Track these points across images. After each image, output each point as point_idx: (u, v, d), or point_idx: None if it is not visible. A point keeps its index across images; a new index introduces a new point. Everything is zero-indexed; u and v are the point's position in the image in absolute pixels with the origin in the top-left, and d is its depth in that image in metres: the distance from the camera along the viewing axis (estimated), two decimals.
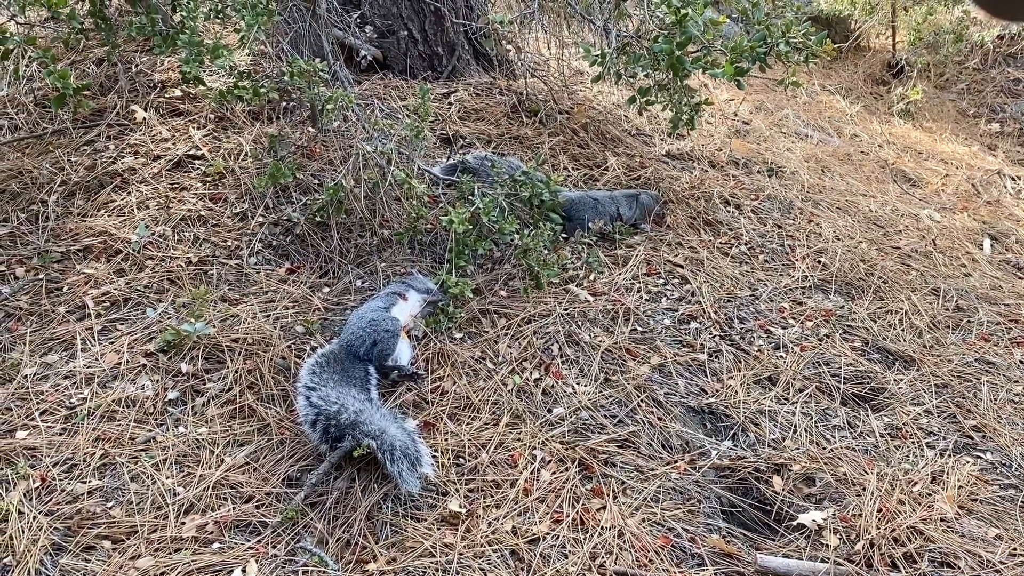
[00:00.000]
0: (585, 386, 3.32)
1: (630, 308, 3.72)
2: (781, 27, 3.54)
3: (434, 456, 2.95)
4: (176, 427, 3.11)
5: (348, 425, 2.78)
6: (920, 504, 2.92)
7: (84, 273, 3.83)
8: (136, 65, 5.28)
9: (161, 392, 3.24)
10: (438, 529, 2.71)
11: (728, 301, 3.95)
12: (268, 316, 3.59)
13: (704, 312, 3.81)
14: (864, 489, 2.97)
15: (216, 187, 4.40)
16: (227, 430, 3.10)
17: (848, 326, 3.95)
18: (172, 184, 4.41)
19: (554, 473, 2.95)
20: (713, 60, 3.67)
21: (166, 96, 5.05)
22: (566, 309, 3.67)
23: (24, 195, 4.32)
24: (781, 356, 3.63)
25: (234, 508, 2.79)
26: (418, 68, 5.87)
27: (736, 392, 3.37)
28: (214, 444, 3.02)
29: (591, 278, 3.91)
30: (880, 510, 2.88)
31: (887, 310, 4.13)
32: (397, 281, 3.61)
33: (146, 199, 4.30)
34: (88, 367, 3.34)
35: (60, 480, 2.86)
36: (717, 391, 3.38)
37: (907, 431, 3.32)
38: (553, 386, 3.29)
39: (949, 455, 3.21)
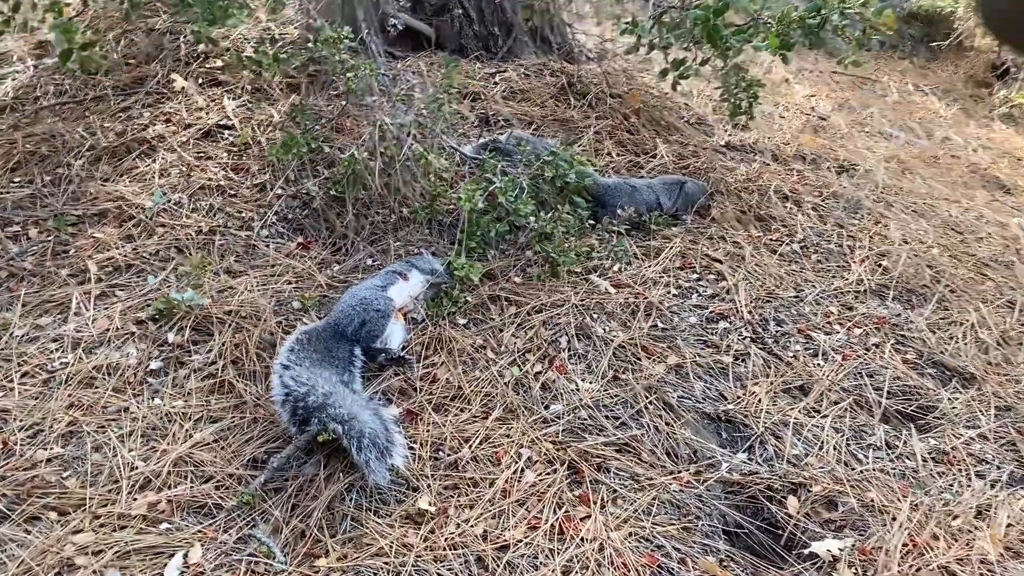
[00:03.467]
0: (590, 383, 3.03)
1: (653, 303, 3.41)
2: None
3: (411, 448, 2.71)
4: (152, 398, 2.96)
5: (315, 408, 2.57)
6: (958, 541, 2.53)
7: (94, 237, 3.74)
8: (184, 35, 5.21)
9: (144, 361, 3.10)
10: (400, 527, 2.47)
11: (767, 301, 3.59)
12: (267, 290, 3.42)
13: (737, 311, 3.46)
14: (893, 519, 2.60)
15: (240, 157, 4.27)
16: (203, 405, 2.93)
17: (902, 336, 3.53)
18: (198, 153, 4.30)
19: (539, 475, 2.67)
20: (757, 32, 3.32)
21: (207, 66, 4.95)
22: (582, 300, 3.38)
23: (52, 158, 4.28)
24: (818, 364, 3.26)
25: (191, 487, 2.61)
26: (471, 47, 5.65)
27: (760, 400, 3.03)
28: (186, 418, 2.86)
29: (616, 268, 3.61)
30: (909, 544, 2.51)
31: (951, 321, 3.69)
32: (403, 260, 3.38)
33: (169, 166, 4.19)
34: (77, 331, 3.23)
35: (22, 445, 2.74)
36: (739, 398, 3.04)
37: (955, 456, 2.91)
38: (555, 381, 3.01)
39: (1001, 487, 2.79)
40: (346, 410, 2.57)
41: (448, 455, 2.72)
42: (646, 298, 3.43)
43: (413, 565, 2.34)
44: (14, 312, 3.32)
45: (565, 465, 2.70)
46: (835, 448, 2.87)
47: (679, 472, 2.72)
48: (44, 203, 3.97)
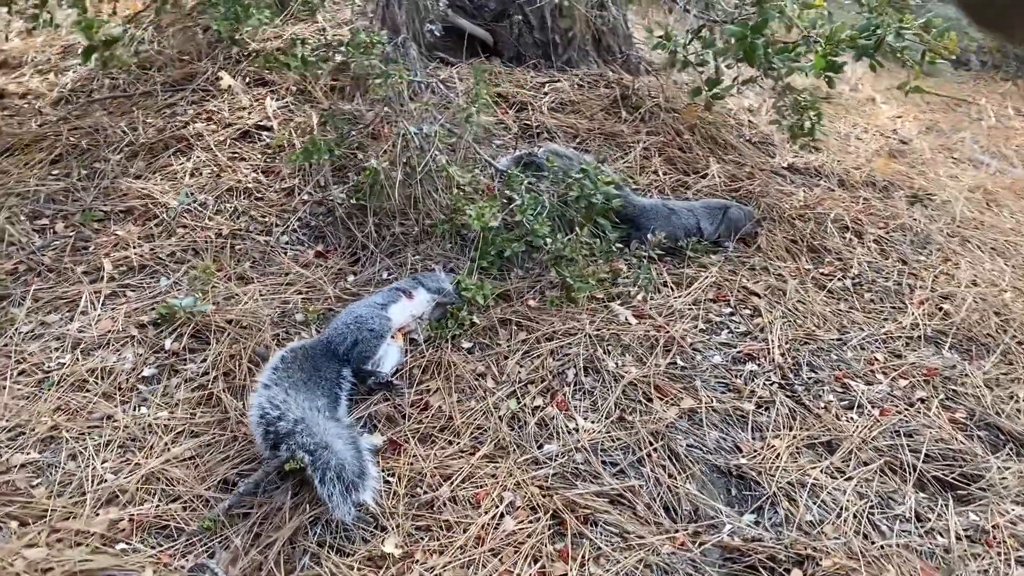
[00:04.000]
0: (592, 423, 2.81)
1: (675, 337, 3.16)
2: (895, 16, 2.85)
3: (387, 482, 2.55)
4: (138, 407, 2.88)
5: (285, 434, 2.43)
6: None
7: (115, 235, 3.71)
8: (240, 33, 5.18)
9: (139, 367, 3.03)
10: (360, 569, 2.31)
11: (804, 343, 3.30)
12: (274, 299, 3.32)
13: (768, 353, 3.19)
14: None
15: (274, 160, 4.19)
16: (187, 417, 2.84)
17: (953, 391, 3.19)
18: (232, 153, 4.25)
19: (520, 523, 2.47)
20: (804, 51, 3.03)
21: (256, 65, 4.90)
22: (598, 329, 3.16)
23: (93, 152, 4.29)
24: (851, 418, 2.96)
25: (157, 506, 2.51)
26: (530, 55, 5.47)
27: (779, 455, 2.76)
28: (167, 431, 2.77)
29: (640, 297, 3.37)
30: None
31: (1013, 378, 3.32)
32: (411, 277, 3.23)
33: (201, 166, 4.15)
34: (80, 332, 3.19)
35: (1, 447, 2.69)
36: (755, 451, 2.77)
37: (996, 536, 2.59)
38: (554, 418, 2.81)
39: None
40: (316, 439, 2.43)
41: (425, 493, 2.54)
42: (668, 332, 3.18)
43: None
44: (22, 308, 3.30)
45: (549, 514, 2.49)
46: (855, 516, 2.58)
47: (675, 532, 2.48)
48: (75, 197, 3.98)
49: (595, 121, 4.72)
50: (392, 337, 2.98)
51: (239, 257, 3.62)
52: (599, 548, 2.40)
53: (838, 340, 3.37)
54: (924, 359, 3.34)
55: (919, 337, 3.50)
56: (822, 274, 3.85)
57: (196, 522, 2.45)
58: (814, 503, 2.61)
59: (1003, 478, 2.82)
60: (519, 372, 2.98)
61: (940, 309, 3.73)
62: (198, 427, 2.79)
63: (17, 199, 3.95)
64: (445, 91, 3.88)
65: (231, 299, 3.32)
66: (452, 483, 2.57)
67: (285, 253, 3.66)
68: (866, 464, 2.78)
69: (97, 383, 2.96)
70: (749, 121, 5.33)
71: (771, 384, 3.04)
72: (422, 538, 2.42)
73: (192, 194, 3.93)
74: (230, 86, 4.79)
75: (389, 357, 2.90)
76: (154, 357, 3.08)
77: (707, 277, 3.58)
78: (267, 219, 3.85)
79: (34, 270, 3.53)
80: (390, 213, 3.70)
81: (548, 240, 3.14)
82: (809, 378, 3.11)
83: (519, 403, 2.84)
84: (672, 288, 3.53)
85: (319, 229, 3.80)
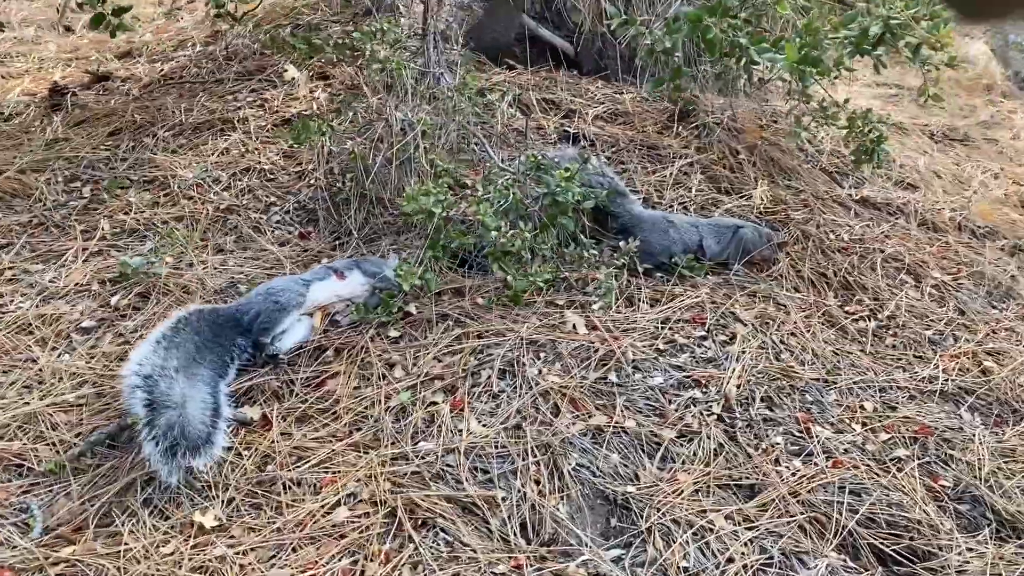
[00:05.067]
0: (484, 427, 2.57)
1: (617, 352, 2.85)
2: (887, 7, 2.43)
3: (240, 455, 2.44)
4: (64, 355, 2.94)
5: (137, 387, 2.38)
6: None
7: (127, 200, 3.86)
8: (328, 30, 5.34)
9: (82, 318, 3.10)
10: (165, 534, 2.20)
11: (774, 379, 2.88)
12: (235, 271, 3.31)
13: (722, 383, 2.81)
14: None
15: (301, 145, 4.23)
16: (101, 369, 2.86)
17: (948, 455, 2.68)
18: (266, 137, 4.34)
19: (355, 515, 2.28)
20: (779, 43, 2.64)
21: (322, 61, 5.01)
22: (536, 334, 2.91)
23: (146, 128, 4.52)
24: (791, 465, 2.53)
25: (24, 444, 2.53)
26: (610, 67, 5.28)
27: (680, 491, 2.40)
28: (73, 378, 2.80)
29: (598, 306, 3.08)
30: None
31: None
32: (355, 258, 3.12)
33: (232, 146, 4.27)
34: (51, 282, 3.32)
35: None
36: (653, 483, 2.42)
37: None
38: (444, 416, 2.59)
39: None
40: (164, 398, 2.35)
41: (276, 470, 2.41)
42: (614, 346, 2.88)
43: None
44: (20, 256, 3.48)
45: (390, 512, 2.28)
46: (742, 570, 2.18)
47: (517, 553, 2.20)
48: (112, 166, 4.18)
49: (642, 133, 4.45)
50: (310, 315, 2.87)
51: (227, 231, 3.66)
52: (420, 556, 2.16)
53: (821, 381, 2.93)
54: (924, 415, 2.83)
55: (933, 392, 2.98)
56: (845, 312, 3.38)
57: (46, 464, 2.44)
58: (697, 549, 2.23)
59: (964, 562, 2.31)
60: (432, 367, 2.78)
61: (979, 365, 3.18)
62: (102, 379, 2.80)
63: (64, 163, 4.21)
64: (451, 83, 3.76)
65: (193, 266, 3.34)
66: (304, 465, 2.41)
67: (272, 232, 3.66)
68: (784, 517, 2.36)
69: (39, 328, 3.05)
70: (833, 149, 4.83)
71: (708, 415, 2.67)
72: (247, 514, 2.28)
73: (209, 170, 4.03)
74: (294, 78, 4.92)
75: (294, 333, 2.80)
76: (100, 311, 3.14)
77: (692, 297, 3.23)
78: (269, 199, 3.88)
79: (43, 224, 3.72)
80: (376, 201, 3.62)
81: (494, 234, 2.92)
82: (758, 415, 2.70)
83: (413, 397, 2.64)
84: (647, 303, 3.20)
85: (313, 212, 3.78)
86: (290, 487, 2.35)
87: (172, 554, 2.13)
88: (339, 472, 2.39)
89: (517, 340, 2.88)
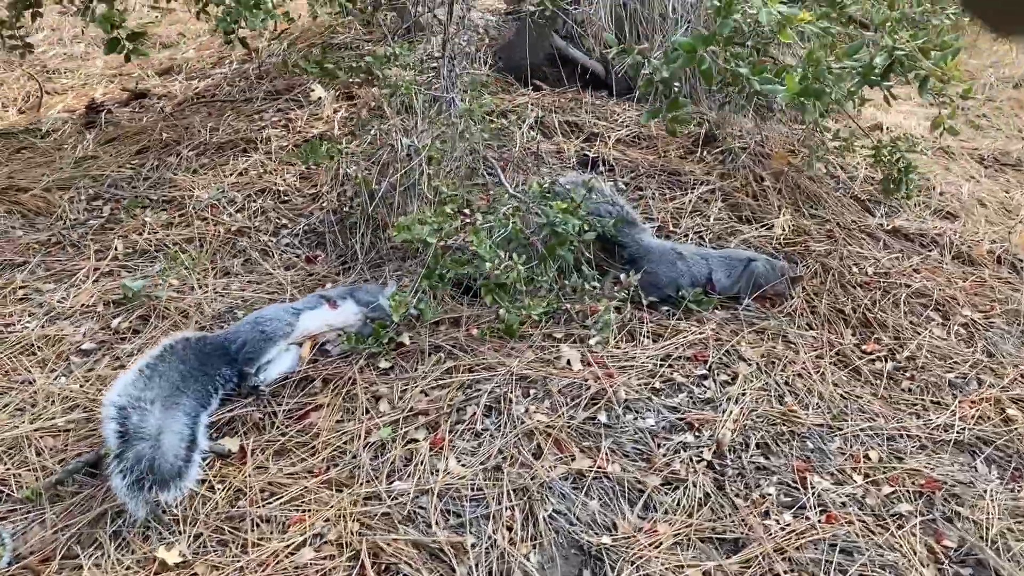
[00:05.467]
0: (464, 466, 2.51)
1: (609, 391, 2.76)
2: (892, 37, 2.30)
3: (212, 489, 2.42)
4: (60, 376, 2.97)
5: (113, 419, 2.38)
6: None
7: (144, 221, 3.90)
8: (362, 49, 5.36)
9: (83, 340, 3.13)
10: (128, 568, 2.19)
11: (773, 423, 2.76)
12: (229, 294, 3.31)
13: (718, 427, 2.70)
14: None
15: (317, 167, 4.24)
16: (96, 393, 2.87)
17: (955, 512, 2.52)
18: (285, 158, 4.35)
19: (320, 557, 2.24)
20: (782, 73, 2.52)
21: (351, 79, 5.02)
22: (528, 369, 2.84)
23: (171, 147, 4.58)
24: (780, 519, 2.41)
25: (8, 469, 2.55)
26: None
27: (659, 544, 2.30)
28: (65, 401, 2.82)
29: (595, 341, 3.00)
30: None
31: None
32: (350, 286, 3.09)
33: (251, 167, 4.29)
34: (59, 302, 3.36)
35: None
36: (630, 535, 2.33)
37: None
38: (423, 454, 2.54)
39: None
40: (137, 428, 2.35)
41: (245, 507, 2.38)
42: (608, 385, 2.79)
43: None
44: (31, 275, 3.54)
45: (355, 556, 2.23)
46: None
47: None
48: (134, 185, 4.24)
49: (664, 158, 4.34)
50: (299, 344, 2.85)
51: (236, 253, 3.67)
52: None
53: (825, 427, 2.79)
54: (933, 467, 2.68)
55: (947, 442, 2.82)
56: (861, 351, 3.24)
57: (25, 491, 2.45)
58: None
59: None
60: (418, 401, 2.73)
61: (1002, 412, 3.00)
62: (93, 404, 2.81)
63: (89, 181, 4.28)
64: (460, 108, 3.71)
65: (195, 289, 3.35)
66: (276, 501, 2.38)
67: (281, 255, 3.66)
68: (767, 575, 2.24)
69: (41, 349, 3.09)
70: (867, 176, 4.66)
71: (697, 461, 2.56)
72: (213, 551, 2.25)
73: (225, 191, 4.05)
74: (320, 98, 4.95)
75: (280, 363, 2.78)
76: (101, 333, 3.16)
77: (696, 333, 3.12)
78: (281, 221, 3.88)
79: (60, 243, 3.78)
80: (383, 226, 3.60)
81: (488, 265, 2.86)
82: (751, 463, 2.58)
83: (393, 433, 2.59)
84: (649, 338, 3.11)
85: (323, 236, 3.77)
86: (259, 524, 2.32)
87: None
88: (309, 511, 2.35)
89: (507, 375, 2.81)
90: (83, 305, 3.33)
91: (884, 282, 3.67)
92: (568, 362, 2.90)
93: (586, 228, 3.07)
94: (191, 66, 6.06)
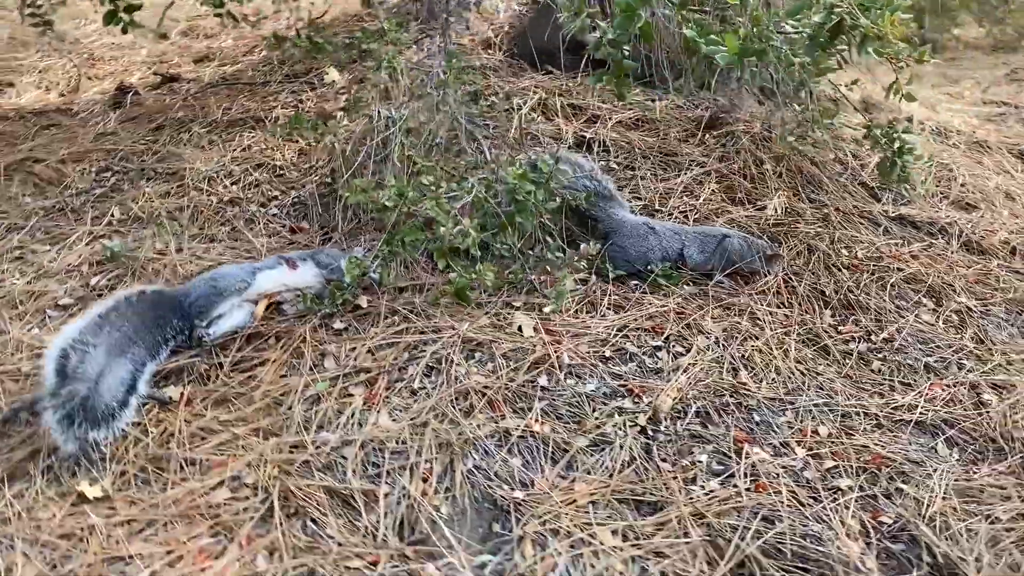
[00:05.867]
0: (394, 421, 2.52)
1: (552, 357, 2.74)
2: None
3: (146, 431, 2.48)
4: (35, 327, 3.08)
5: (49, 359, 2.46)
6: None
7: (146, 191, 4.03)
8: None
9: (62, 296, 3.25)
10: (49, 499, 2.26)
11: (719, 394, 2.70)
12: (207, 259, 3.40)
13: (659, 395, 2.65)
14: None
15: (318, 143, 4.32)
16: None
17: (897, 490, 2.42)
18: (287, 134, 4.44)
19: (234, 497, 2.28)
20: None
21: (366, 64, 5.11)
22: (477, 333, 2.84)
23: (185, 124, 4.73)
24: (704, 484, 2.35)
25: None
26: (656, 75, 5.13)
27: (572, 502, 2.27)
28: (31, 350, 2.93)
29: (548, 309, 2.98)
30: None
31: (1006, 495, 2.45)
32: (314, 249, 3.14)
33: (255, 143, 4.40)
34: (50, 262, 3.49)
35: None
36: (545, 492, 2.30)
37: None
38: (355, 408, 2.56)
39: None
40: (75, 369, 2.43)
41: (177, 448, 2.43)
42: (551, 350, 2.77)
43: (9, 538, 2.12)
44: (31, 236, 3.69)
45: (265, 497, 2.27)
46: None
47: (378, 551, 2.13)
48: (143, 158, 4.38)
49: (664, 140, 4.29)
50: (255, 302, 2.90)
51: (223, 221, 3.76)
52: (279, 542, 2.13)
53: (777, 401, 2.71)
54: (885, 444, 2.58)
55: (908, 422, 2.72)
56: (836, 332, 3.14)
57: None
58: (568, 561, 2.10)
59: None
60: (365, 359, 2.75)
61: (977, 396, 2.87)
62: None
63: (102, 154, 4.45)
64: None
65: (176, 252, 3.45)
66: (204, 445, 2.43)
67: (268, 224, 3.74)
68: (679, 538, 2.18)
69: (23, 303, 3.21)
70: (862, 165, 4.51)
71: (631, 426, 2.52)
72: (135, 488, 2.31)
73: (225, 164, 4.16)
74: (334, 80, 5.04)
75: (231, 318, 2.83)
76: (80, 290, 3.28)
77: (659, 306, 3.07)
78: (272, 193, 3.97)
79: (62, 210, 3.94)
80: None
81: (443, 230, 2.87)
82: (687, 431, 2.53)
83: (330, 387, 2.62)
84: (612, 309, 3.07)
85: (309, 208, 3.83)
86: (183, 466, 2.37)
87: (46, 519, 2.18)
88: (233, 455, 2.39)
89: (454, 338, 2.81)
90: (70, 264, 3.45)
91: (875, 266, 3.55)
92: (520, 328, 2.88)
93: (550, 198, 3.05)
94: (225, 54, 6.23)
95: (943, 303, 3.45)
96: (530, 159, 3.38)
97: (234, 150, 4.35)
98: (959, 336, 3.25)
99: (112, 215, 3.83)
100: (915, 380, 2.94)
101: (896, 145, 3.52)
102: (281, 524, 2.18)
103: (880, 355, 3.04)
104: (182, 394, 2.63)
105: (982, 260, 3.83)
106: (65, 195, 4.03)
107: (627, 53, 2.61)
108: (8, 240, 3.66)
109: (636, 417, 2.55)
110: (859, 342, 3.10)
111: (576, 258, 3.08)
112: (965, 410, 2.80)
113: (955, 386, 2.91)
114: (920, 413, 2.75)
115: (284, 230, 3.69)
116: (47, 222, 3.83)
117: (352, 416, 2.52)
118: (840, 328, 3.17)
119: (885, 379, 2.92)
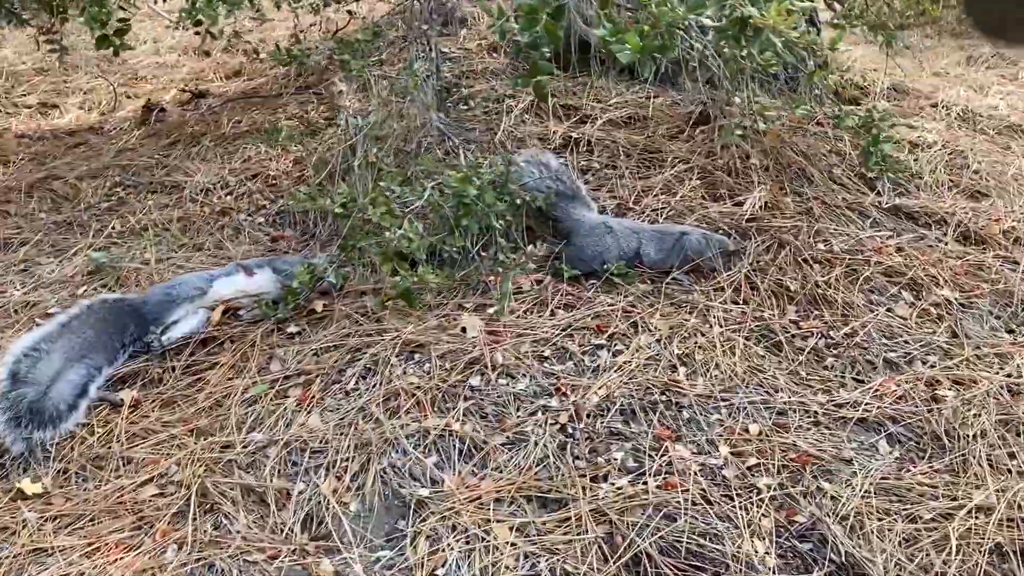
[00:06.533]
0: (324, 422, 2.61)
1: (487, 357, 2.79)
2: None
3: (92, 432, 2.64)
4: (20, 334, 3.28)
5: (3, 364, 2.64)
6: None
7: (146, 203, 4.24)
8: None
9: (52, 305, 3.45)
10: None
11: (648, 391, 2.69)
12: (186, 268, 3.56)
13: (587, 392, 2.66)
14: None
15: (313, 152, 4.46)
16: None
17: (817, 489, 2.38)
18: (271, 145, 4.59)
19: (159, 494, 2.40)
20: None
21: (374, 74, 5.24)
22: (416, 335, 2.90)
23: (197, 138, 4.94)
24: (613, 483, 2.36)
25: None
26: (670, 75, 5.10)
27: (476, 499, 2.31)
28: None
29: (493, 311, 3.02)
30: None
31: (939, 493, 2.38)
32: (272, 257, 3.26)
33: (254, 153, 4.57)
34: (49, 273, 3.72)
35: None
36: (453, 490, 2.35)
37: None
38: (287, 409, 2.66)
39: None
40: (27, 373, 2.60)
41: (117, 447, 2.58)
42: (487, 351, 2.81)
43: None
44: (38, 249, 3.93)
45: (188, 493, 2.38)
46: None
47: (278, 545, 2.22)
48: (153, 173, 4.61)
49: (650, 138, 4.27)
50: (212, 308, 3.04)
51: (212, 231, 3.92)
52: (188, 536, 2.24)
53: (711, 399, 2.69)
54: (817, 443, 2.53)
55: (849, 419, 2.66)
56: (795, 327, 3.08)
57: None
58: (458, 556, 2.15)
59: None
60: (308, 363, 2.85)
61: (932, 392, 2.79)
62: None
63: (118, 170, 4.69)
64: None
65: (160, 262, 3.62)
66: (142, 444, 2.57)
67: (252, 233, 3.89)
68: (576, 535, 2.20)
69: (18, 312, 3.43)
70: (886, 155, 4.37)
71: (551, 424, 2.54)
72: (73, 485, 2.46)
73: (223, 176, 4.34)
74: (341, 91, 5.18)
75: (184, 324, 2.97)
76: (69, 300, 3.47)
77: (607, 305, 3.08)
78: (262, 202, 4.11)
79: (71, 224, 4.17)
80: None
81: (387, 234, 2.95)
82: (607, 428, 2.54)
83: (268, 389, 2.73)
84: (563, 309, 3.09)
85: (294, 215, 3.96)
86: (121, 464, 2.51)
87: None
88: (167, 455, 2.52)
89: (396, 340, 2.88)
90: (65, 276, 3.66)
91: (851, 259, 3.46)
92: (463, 329, 2.93)
93: (499, 200, 3.09)
94: (254, 69, 6.47)
95: (922, 296, 3.34)
96: (497, 161, 3.42)
97: (234, 161, 4.52)
98: (932, 331, 3.14)
99: (113, 228, 4.03)
100: (870, 376, 2.87)
101: (873, 132, 3.43)
102: (196, 519, 2.29)
103: (836, 351, 2.97)
104: (134, 397, 2.77)
105: (976, 251, 3.68)
106: (76, 210, 4.26)
107: (546, 55, 2.63)
108: (16, 253, 3.90)
109: (558, 415, 2.56)
110: (818, 338, 3.03)
111: (523, 260, 3.11)
112: (915, 407, 2.71)
113: (910, 382, 2.82)
114: (864, 410, 2.68)
115: (266, 238, 3.82)
116: (56, 236, 4.06)
117: (284, 417, 2.62)
118: (800, 324, 3.11)
119: (836, 376, 2.86)
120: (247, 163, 4.47)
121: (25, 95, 6.50)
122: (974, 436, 2.56)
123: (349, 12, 4.38)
